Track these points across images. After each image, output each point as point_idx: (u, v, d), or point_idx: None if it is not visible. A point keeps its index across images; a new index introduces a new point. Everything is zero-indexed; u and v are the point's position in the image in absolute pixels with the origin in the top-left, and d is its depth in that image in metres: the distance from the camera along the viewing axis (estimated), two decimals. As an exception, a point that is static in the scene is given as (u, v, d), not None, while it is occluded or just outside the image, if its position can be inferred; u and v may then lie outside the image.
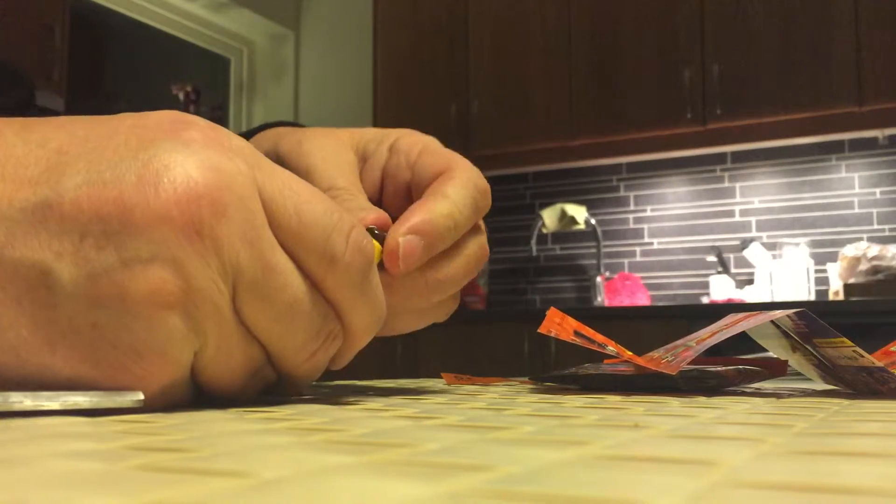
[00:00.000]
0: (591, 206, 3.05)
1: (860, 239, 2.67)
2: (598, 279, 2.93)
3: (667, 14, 2.71)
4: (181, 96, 3.34)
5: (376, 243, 0.31)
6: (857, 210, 2.71)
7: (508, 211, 3.20)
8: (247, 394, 0.28)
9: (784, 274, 2.61)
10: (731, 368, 0.37)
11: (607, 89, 2.79)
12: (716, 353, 0.42)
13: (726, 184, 2.89)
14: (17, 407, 0.21)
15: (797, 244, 2.66)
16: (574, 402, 0.29)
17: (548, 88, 2.88)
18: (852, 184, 2.72)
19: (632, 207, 3.04)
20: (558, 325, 0.38)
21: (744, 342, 0.43)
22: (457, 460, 0.14)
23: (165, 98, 3.32)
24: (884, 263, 2.37)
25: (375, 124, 3.16)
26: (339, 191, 0.37)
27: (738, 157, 2.86)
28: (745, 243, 2.72)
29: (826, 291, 2.66)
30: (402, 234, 0.33)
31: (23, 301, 0.23)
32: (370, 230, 0.32)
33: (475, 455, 0.15)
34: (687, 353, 0.36)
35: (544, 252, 3.18)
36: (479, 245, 0.37)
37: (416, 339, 2.69)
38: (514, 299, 3.22)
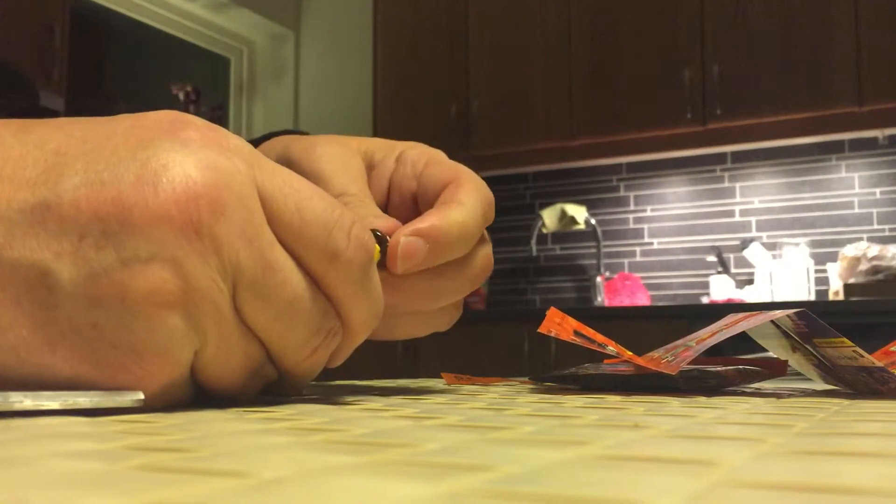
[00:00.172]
0: (591, 206, 3.06)
1: (860, 239, 2.67)
2: (598, 279, 2.93)
3: (667, 14, 2.71)
4: (181, 96, 3.34)
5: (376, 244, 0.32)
6: (857, 210, 2.71)
7: (508, 211, 3.20)
8: (247, 393, 0.28)
9: (784, 274, 2.61)
10: (731, 368, 0.37)
11: (607, 89, 2.79)
12: (716, 353, 0.42)
13: (726, 184, 2.89)
14: (17, 407, 0.21)
15: (797, 244, 2.66)
16: (574, 402, 0.29)
17: (548, 88, 2.88)
18: (852, 184, 2.72)
19: (632, 207, 3.04)
20: (558, 325, 0.38)
21: (744, 342, 0.43)
22: (457, 460, 0.14)
23: (165, 98, 3.32)
24: (884, 263, 2.37)
25: (375, 124, 3.17)
26: (352, 197, 0.37)
27: (738, 157, 2.86)
28: (745, 243, 2.72)
29: (826, 291, 2.66)
30: (406, 234, 0.33)
31: (22, 301, 0.23)
32: (371, 231, 0.32)
33: (475, 455, 0.15)
34: (687, 353, 0.36)
35: (544, 252, 3.18)
36: (484, 255, 0.37)
37: (416, 340, 2.69)
38: (514, 299, 3.22)
